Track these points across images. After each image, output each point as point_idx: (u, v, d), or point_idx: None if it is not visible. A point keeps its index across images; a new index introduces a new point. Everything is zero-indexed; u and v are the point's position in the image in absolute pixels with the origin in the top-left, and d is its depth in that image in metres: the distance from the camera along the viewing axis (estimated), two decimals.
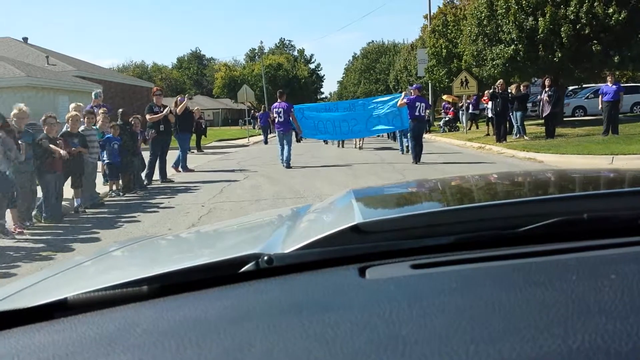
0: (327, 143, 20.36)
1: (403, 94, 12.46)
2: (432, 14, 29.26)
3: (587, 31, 15.42)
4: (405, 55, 40.43)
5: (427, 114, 12.39)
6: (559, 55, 15.98)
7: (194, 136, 16.84)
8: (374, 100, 13.61)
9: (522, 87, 14.89)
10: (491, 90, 14.72)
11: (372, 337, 0.52)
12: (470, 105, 21.28)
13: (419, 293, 0.64)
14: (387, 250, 0.78)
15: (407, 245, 0.79)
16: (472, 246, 0.77)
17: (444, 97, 25.15)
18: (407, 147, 12.68)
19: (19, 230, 5.68)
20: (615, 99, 13.06)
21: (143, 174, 9.28)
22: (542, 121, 15.88)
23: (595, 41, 15.58)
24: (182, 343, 0.55)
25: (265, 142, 23.21)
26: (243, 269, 0.77)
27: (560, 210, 0.82)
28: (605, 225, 0.81)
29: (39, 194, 6.29)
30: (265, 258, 0.77)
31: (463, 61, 22.65)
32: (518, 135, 14.90)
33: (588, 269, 0.65)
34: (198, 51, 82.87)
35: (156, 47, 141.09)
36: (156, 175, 9.78)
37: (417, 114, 11.26)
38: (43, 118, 6.27)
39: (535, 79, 22.38)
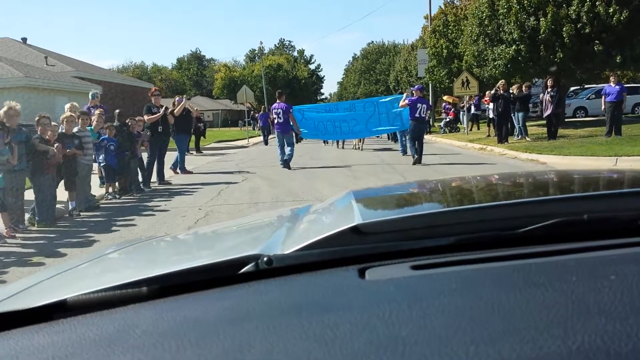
0: (326, 144, 20.26)
1: (405, 94, 12.36)
2: (432, 14, 29.14)
3: (587, 30, 15.31)
4: (405, 55, 40.35)
5: (427, 115, 12.30)
6: (561, 55, 15.86)
7: (193, 137, 16.74)
8: (374, 101, 13.51)
9: (524, 88, 14.75)
10: (493, 91, 14.56)
11: (372, 338, 0.52)
12: (472, 106, 21.14)
13: (418, 294, 0.64)
14: (387, 251, 0.78)
15: (407, 246, 0.79)
16: (472, 247, 0.77)
17: (445, 97, 25.03)
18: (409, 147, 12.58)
19: (11, 234, 5.54)
20: (619, 99, 12.91)
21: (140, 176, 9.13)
22: (543, 122, 15.75)
23: (597, 41, 15.47)
24: (181, 344, 0.55)
25: (265, 143, 23.09)
26: (243, 270, 0.77)
27: (560, 211, 0.82)
28: (605, 226, 0.81)
29: (32, 196, 6.15)
30: (265, 259, 0.77)
31: (464, 61, 22.52)
32: (520, 136, 14.76)
33: (588, 269, 0.65)
34: (198, 52, 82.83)
35: (156, 48, 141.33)
36: (154, 177, 9.64)
37: (417, 115, 11.18)
38: (37, 118, 6.14)
39: (536, 80, 22.27)
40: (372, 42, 71.32)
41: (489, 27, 17.89)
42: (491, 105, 16.02)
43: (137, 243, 1.38)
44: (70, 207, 6.76)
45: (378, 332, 0.53)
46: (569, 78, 18.09)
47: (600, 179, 1.43)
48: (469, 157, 12.67)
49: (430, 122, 23.80)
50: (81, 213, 6.77)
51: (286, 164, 11.45)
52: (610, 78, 13.61)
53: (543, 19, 15.89)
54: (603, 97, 13.38)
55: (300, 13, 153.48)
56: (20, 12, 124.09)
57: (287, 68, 57.54)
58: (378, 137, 20.53)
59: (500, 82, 14.69)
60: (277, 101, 11.96)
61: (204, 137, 20.56)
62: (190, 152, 16.66)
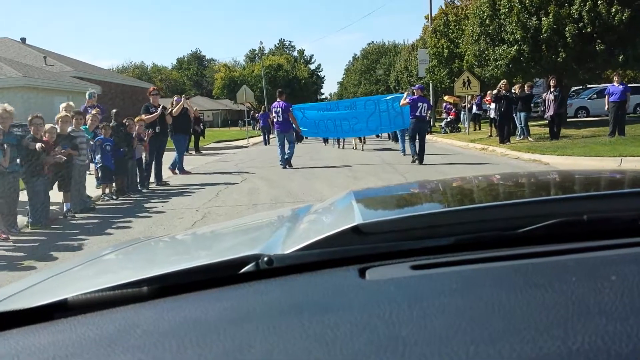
0: (326, 144, 20.13)
1: (406, 93, 12.30)
2: (433, 14, 28.99)
3: (589, 30, 15.19)
4: (405, 55, 40.21)
5: (428, 114, 12.21)
6: (563, 55, 15.73)
7: (192, 137, 16.61)
8: (375, 99, 13.39)
9: (526, 88, 14.60)
10: (495, 91, 14.42)
11: (372, 338, 0.52)
12: (474, 106, 21.00)
13: (419, 294, 0.63)
14: (387, 251, 0.78)
15: (407, 246, 0.79)
16: (472, 247, 0.77)
17: (445, 97, 24.91)
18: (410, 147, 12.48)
19: (4, 236, 5.41)
20: (622, 99, 12.76)
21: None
22: (545, 122, 15.63)
23: (598, 41, 15.34)
24: (182, 344, 0.55)
25: (266, 143, 22.97)
26: (243, 270, 0.77)
27: (561, 211, 0.82)
28: (606, 226, 0.81)
29: (25, 197, 6.01)
30: (265, 259, 0.77)
31: (465, 61, 22.40)
32: (522, 136, 14.61)
33: (588, 270, 0.65)
34: (198, 52, 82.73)
35: (156, 48, 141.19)
36: (151, 178, 9.51)
37: (418, 113, 11.11)
38: (29, 118, 5.99)
39: (537, 80, 22.13)
40: (372, 42, 71.24)
41: (490, 27, 17.77)
42: (493, 105, 15.88)
43: (137, 243, 1.37)
44: (65, 209, 6.62)
45: (378, 332, 0.53)
46: (571, 78, 17.97)
47: (601, 179, 1.42)
48: (470, 157, 12.54)
49: (431, 122, 23.68)
50: (76, 215, 6.62)
51: (287, 162, 11.42)
52: (614, 78, 13.46)
53: (545, 18, 15.77)
54: (606, 96, 13.23)
55: (301, 13, 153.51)
56: (19, 12, 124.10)
57: (287, 68, 57.42)
58: (378, 136, 20.42)
59: (501, 82, 14.56)
60: (278, 100, 11.96)
61: (203, 137, 20.44)
62: (190, 152, 16.56)
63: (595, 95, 23.62)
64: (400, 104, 11.90)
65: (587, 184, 1.36)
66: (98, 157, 7.90)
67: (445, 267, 0.71)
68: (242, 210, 6.56)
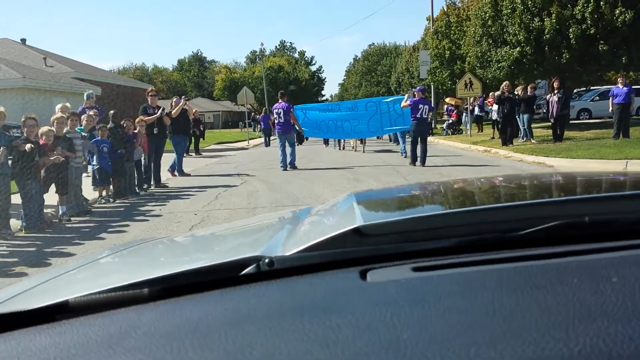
0: (327, 145, 20.01)
1: (406, 95, 12.22)
2: (434, 15, 28.87)
3: (592, 31, 15.06)
4: (407, 57, 40.08)
5: (429, 116, 12.11)
6: (567, 56, 15.60)
7: (192, 139, 16.49)
8: (376, 100, 13.33)
9: (529, 89, 14.44)
10: (498, 92, 14.27)
11: (373, 340, 0.52)
12: (477, 107, 20.86)
13: (420, 296, 0.63)
14: (389, 253, 0.78)
15: (408, 248, 0.79)
16: (473, 249, 0.77)
17: (447, 99, 24.78)
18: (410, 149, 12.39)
19: None
20: (627, 101, 12.60)
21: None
22: (548, 124, 15.48)
23: (602, 42, 15.21)
24: (183, 345, 0.55)
25: (267, 145, 22.85)
26: (244, 272, 0.77)
27: (562, 213, 0.82)
28: (607, 228, 0.81)
29: (18, 200, 5.87)
30: (267, 261, 0.77)
31: (466, 63, 22.27)
32: (525, 138, 14.46)
33: (589, 272, 0.65)
34: (199, 53, 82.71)
35: (157, 49, 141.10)
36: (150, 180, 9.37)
37: (419, 115, 11.03)
38: (23, 119, 5.85)
39: (539, 81, 21.99)
40: (373, 43, 71.19)
41: (493, 28, 17.65)
42: (495, 107, 15.73)
43: (137, 244, 1.36)
44: (60, 212, 6.48)
45: (379, 333, 0.53)
46: (575, 80, 17.84)
47: (602, 181, 1.42)
48: (473, 159, 12.41)
49: (433, 124, 23.54)
50: (72, 218, 6.48)
51: (292, 165, 11.48)
52: (618, 79, 13.29)
53: (547, 19, 15.64)
54: (610, 98, 13.07)
55: (301, 15, 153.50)
56: (20, 12, 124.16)
57: (288, 69, 57.33)
58: (379, 137, 20.31)
59: (504, 83, 14.41)
60: (279, 101, 11.94)
61: (203, 139, 20.32)
62: (190, 154, 16.44)
63: (597, 97, 23.45)
64: (401, 105, 11.85)
65: (588, 186, 1.35)
66: (95, 159, 7.76)
67: (446, 269, 0.70)
68: (241, 214, 6.42)
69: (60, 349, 0.59)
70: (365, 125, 12.77)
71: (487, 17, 17.71)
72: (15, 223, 5.91)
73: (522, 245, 0.76)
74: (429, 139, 13.62)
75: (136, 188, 8.68)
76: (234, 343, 0.54)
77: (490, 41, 18.00)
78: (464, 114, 22.02)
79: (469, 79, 18.76)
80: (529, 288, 0.60)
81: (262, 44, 53.66)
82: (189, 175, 10.98)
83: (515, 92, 14.23)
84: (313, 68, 70.28)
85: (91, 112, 8.33)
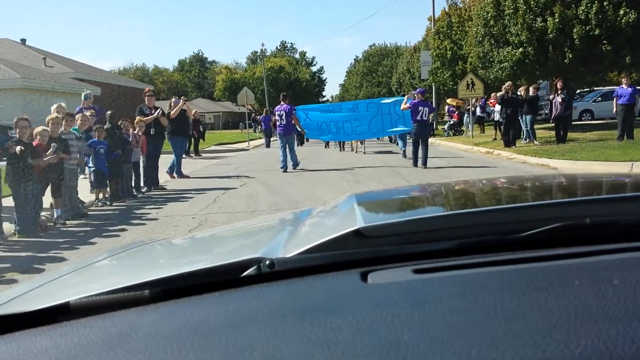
0: (327, 147, 19.89)
1: (406, 97, 12.12)
2: (436, 15, 28.76)
3: (596, 32, 14.93)
4: (408, 57, 39.93)
5: (430, 118, 12.00)
6: (570, 56, 15.46)
7: (192, 140, 16.36)
8: (377, 102, 13.24)
9: (532, 90, 14.28)
10: (501, 93, 14.12)
11: (374, 342, 0.52)
12: (479, 108, 20.71)
13: (421, 298, 0.63)
14: (389, 254, 0.77)
15: (409, 250, 0.79)
16: (474, 251, 0.76)
17: (448, 100, 24.63)
18: (411, 150, 12.30)
19: None
20: (631, 101, 12.45)
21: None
22: (550, 125, 15.32)
23: (605, 42, 15.08)
24: (183, 347, 0.55)
25: (267, 146, 22.72)
26: (244, 274, 0.76)
27: (563, 215, 0.82)
28: (608, 230, 0.80)
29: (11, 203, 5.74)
30: (267, 262, 0.76)
31: (468, 63, 22.14)
32: (527, 139, 14.30)
33: (591, 274, 0.64)
34: (200, 54, 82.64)
35: (157, 50, 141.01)
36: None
37: (419, 117, 10.94)
38: (15, 120, 5.72)
39: (541, 82, 21.84)
40: (374, 44, 71.07)
41: (495, 28, 17.53)
42: (497, 108, 15.58)
43: (136, 246, 1.35)
44: (55, 216, 6.35)
45: (380, 335, 0.53)
46: (578, 80, 17.71)
47: (604, 183, 1.41)
48: (475, 160, 12.27)
49: (434, 125, 23.39)
50: (67, 222, 6.35)
51: (296, 167, 11.49)
52: (623, 80, 13.14)
53: (550, 19, 15.51)
54: (615, 99, 12.92)
55: (302, 15, 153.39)
56: (20, 12, 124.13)
57: (289, 70, 57.22)
58: (379, 138, 20.19)
59: (507, 84, 14.27)
60: (282, 103, 11.87)
61: (203, 140, 20.19)
62: (190, 155, 16.31)
63: (600, 98, 23.29)
64: (401, 108, 11.78)
65: (589, 188, 1.34)
66: (91, 160, 7.63)
67: (447, 271, 0.70)
68: (240, 217, 6.29)
69: (61, 351, 0.59)
70: (366, 126, 12.71)
71: (489, 17, 17.58)
72: (8, 227, 5.78)
73: (523, 247, 0.76)
74: (430, 140, 13.51)
75: (133, 190, 8.55)
76: (234, 345, 0.54)
77: (493, 41, 17.87)
78: (466, 115, 21.87)
79: (471, 79, 18.62)
80: (530, 290, 0.60)
81: (263, 45, 53.54)
82: (187, 177, 10.85)
83: (518, 93, 14.08)
84: (314, 69, 70.28)
85: (87, 113, 8.19)
